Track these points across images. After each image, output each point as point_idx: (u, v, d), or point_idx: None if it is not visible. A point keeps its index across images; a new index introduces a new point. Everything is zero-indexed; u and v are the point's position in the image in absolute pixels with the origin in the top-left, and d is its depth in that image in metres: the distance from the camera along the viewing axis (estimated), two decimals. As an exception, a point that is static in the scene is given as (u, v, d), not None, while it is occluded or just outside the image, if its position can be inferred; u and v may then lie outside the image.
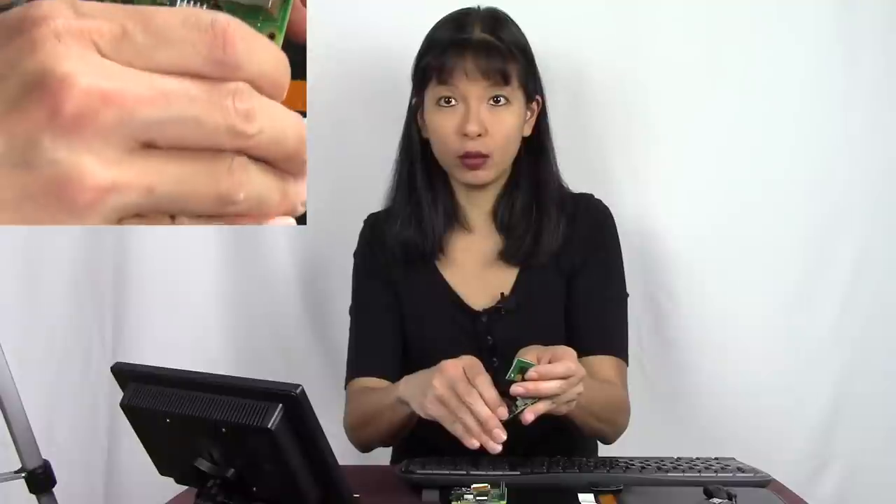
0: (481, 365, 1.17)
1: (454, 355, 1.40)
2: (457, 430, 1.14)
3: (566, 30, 1.69)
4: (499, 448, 1.12)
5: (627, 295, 1.49)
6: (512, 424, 1.38)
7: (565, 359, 1.15)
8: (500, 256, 1.46)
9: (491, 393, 1.13)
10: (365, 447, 1.43)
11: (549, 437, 1.45)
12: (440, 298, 1.46)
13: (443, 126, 1.38)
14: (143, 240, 1.79)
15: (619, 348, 1.44)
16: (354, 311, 1.51)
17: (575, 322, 1.45)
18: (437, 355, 1.42)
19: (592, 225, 1.48)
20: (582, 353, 1.41)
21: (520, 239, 1.44)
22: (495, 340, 1.42)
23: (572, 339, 1.45)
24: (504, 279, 1.45)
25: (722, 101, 1.75)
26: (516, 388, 1.13)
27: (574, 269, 1.45)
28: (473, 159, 1.38)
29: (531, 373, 1.13)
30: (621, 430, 1.43)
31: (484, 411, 1.12)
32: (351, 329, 1.50)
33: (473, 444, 1.12)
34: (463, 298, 1.45)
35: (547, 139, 1.46)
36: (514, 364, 1.13)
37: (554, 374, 1.13)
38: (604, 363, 1.41)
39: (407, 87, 1.46)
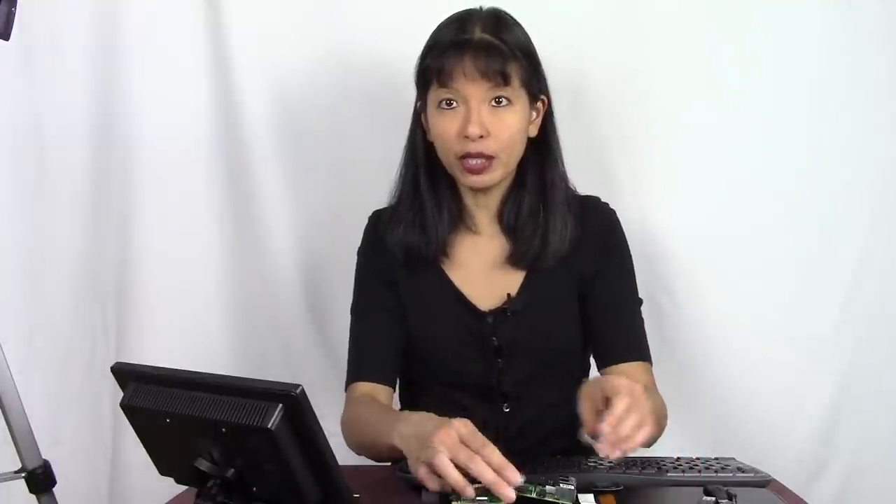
0: (478, 433, 1.09)
1: (459, 355, 1.40)
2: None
3: (566, 30, 1.69)
4: (512, 496, 1.04)
5: (641, 300, 1.49)
6: (515, 424, 1.38)
7: (621, 392, 1.11)
8: (508, 259, 1.45)
9: (498, 459, 1.06)
10: (357, 454, 1.43)
11: (551, 437, 1.46)
12: (446, 298, 1.45)
13: (444, 128, 1.37)
14: (146, 240, 1.80)
15: (644, 352, 1.45)
16: (355, 313, 1.50)
17: (600, 332, 1.45)
18: (442, 355, 1.42)
19: (602, 229, 1.47)
20: (612, 361, 1.42)
21: (527, 241, 1.43)
22: (500, 341, 1.42)
23: (599, 348, 1.46)
24: (511, 281, 1.45)
25: (723, 101, 1.75)
26: (602, 449, 1.08)
27: (586, 274, 1.44)
28: (476, 162, 1.37)
29: (607, 432, 1.07)
30: (663, 431, 1.42)
31: (490, 475, 1.04)
32: (351, 331, 1.50)
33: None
34: (469, 299, 1.45)
35: (553, 140, 1.46)
36: None
37: (617, 417, 1.09)
38: (636, 370, 1.42)
39: (407, 87, 1.46)
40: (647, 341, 1.46)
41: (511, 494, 1.04)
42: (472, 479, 1.06)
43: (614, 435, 1.08)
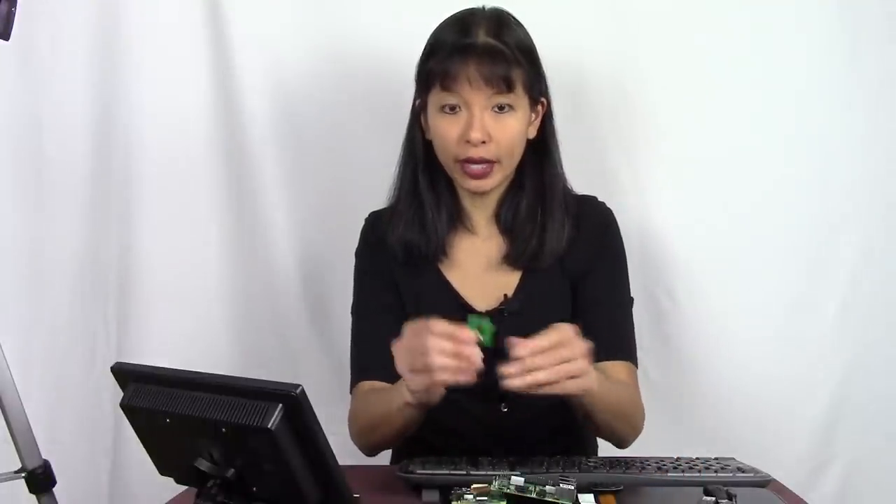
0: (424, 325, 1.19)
1: None
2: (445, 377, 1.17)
3: (567, 31, 1.69)
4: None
5: (632, 299, 1.49)
6: (514, 424, 1.38)
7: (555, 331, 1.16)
8: (505, 259, 1.45)
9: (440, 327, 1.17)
10: (373, 451, 1.43)
11: (550, 437, 1.46)
12: (443, 299, 1.45)
13: (446, 132, 1.37)
14: (146, 239, 1.80)
15: (630, 353, 1.44)
16: (356, 313, 1.50)
17: (587, 328, 1.43)
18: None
19: (598, 229, 1.47)
20: (595, 358, 1.42)
21: (525, 242, 1.43)
22: (498, 342, 1.42)
23: None
24: (508, 281, 1.45)
25: (723, 101, 1.75)
26: (507, 370, 1.14)
27: (580, 272, 1.44)
28: (478, 167, 1.37)
29: (518, 348, 1.13)
30: (638, 431, 1.43)
31: (445, 344, 1.15)
32: (353, 331, 1.50)
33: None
34: (466, 300, 1.45)
35: (552, 141, 1.46)
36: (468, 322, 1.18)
37: (539, 346, 1.14)
38: (617, 368, 1.41)
39: (407, 87, 1.46)
40: (634, 342, 1.46)
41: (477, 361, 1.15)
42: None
43: (525, 363, 1.13)
